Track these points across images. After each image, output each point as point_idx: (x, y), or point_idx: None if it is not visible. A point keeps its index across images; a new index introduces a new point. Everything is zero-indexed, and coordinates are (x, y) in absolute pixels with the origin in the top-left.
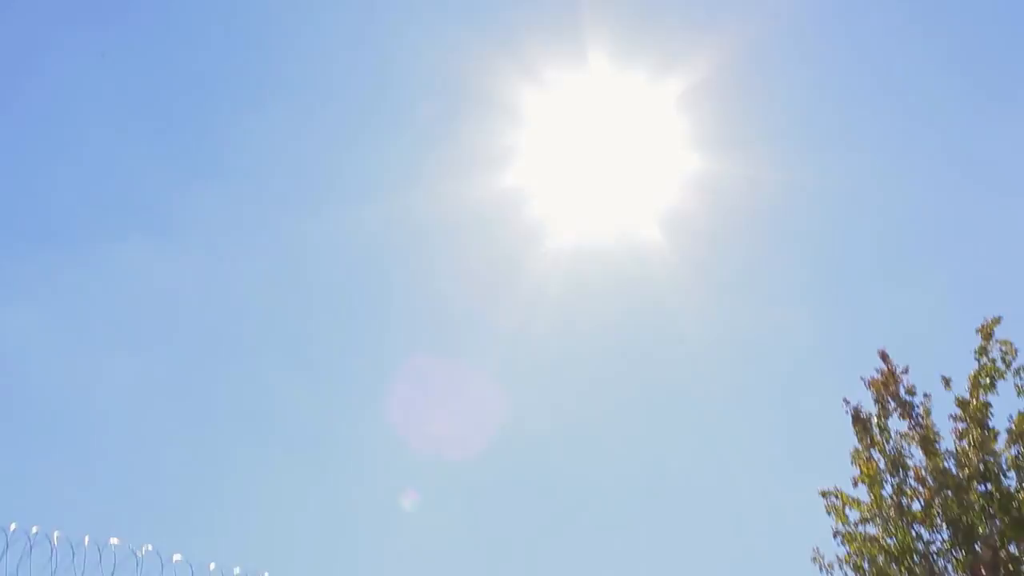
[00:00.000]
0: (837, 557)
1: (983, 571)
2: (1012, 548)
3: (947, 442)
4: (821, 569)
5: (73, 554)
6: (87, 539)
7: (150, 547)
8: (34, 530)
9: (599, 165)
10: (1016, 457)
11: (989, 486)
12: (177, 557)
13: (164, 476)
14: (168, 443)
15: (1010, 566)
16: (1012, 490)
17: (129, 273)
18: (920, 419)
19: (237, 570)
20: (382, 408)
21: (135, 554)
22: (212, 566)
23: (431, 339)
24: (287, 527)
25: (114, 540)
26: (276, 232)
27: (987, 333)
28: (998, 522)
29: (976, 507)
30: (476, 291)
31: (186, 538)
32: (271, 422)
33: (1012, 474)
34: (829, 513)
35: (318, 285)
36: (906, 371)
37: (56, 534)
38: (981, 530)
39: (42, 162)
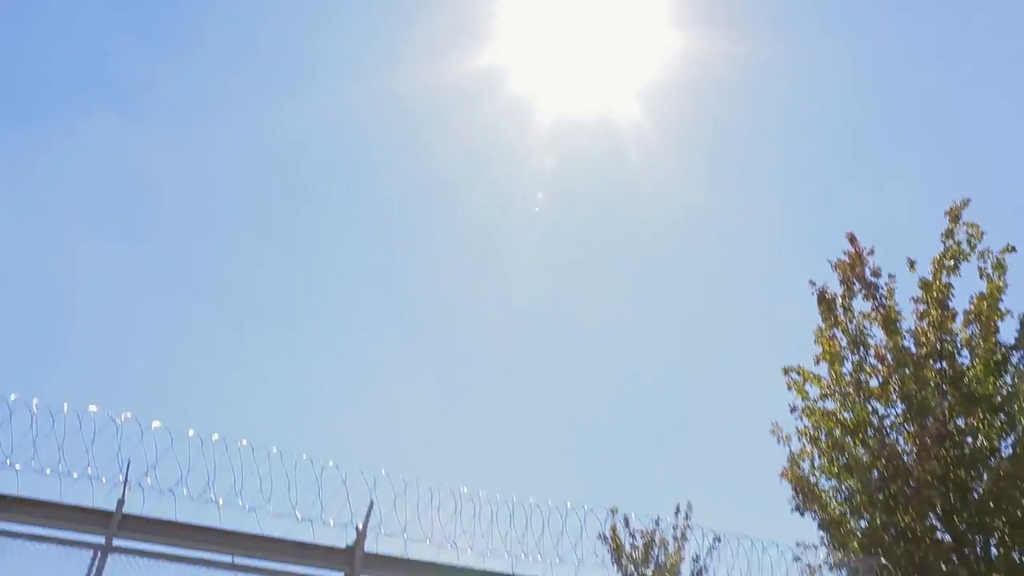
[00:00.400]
0: (796, 430)
1: (929, 443)
2: (959, 422)
3: (908, 322)
4: (779, 441)
5: (53, 421)
6: (66, 406)
7: (129, 415)
8: (12, 397)
9: (581, 42)
10: (971, 336)
11: (944, 364)
12: (156, 424)
13: (141, 350)
14: (146, 318)
15: (956, 438)
16: (964, 368)
17: (100, 150)
18: (883, 300)
19: (215, 436)
20: (364, 289)
21: (114, 421)
22: (191, 432)
23: (414, 218)
24: (266, 399)
25: (93, 407)
26: (253, 112)
27: (955, 216)
28: (949, 398)
29: (930, 384)
30: (458, 168)
31: (165, 407)
32: (251, 299)
33: (966, 353)
34: (790, 389)
35: (295, 166)
36: (872, 253)
37: (35, 401)
38: (933, 405)
39: (8, 34)
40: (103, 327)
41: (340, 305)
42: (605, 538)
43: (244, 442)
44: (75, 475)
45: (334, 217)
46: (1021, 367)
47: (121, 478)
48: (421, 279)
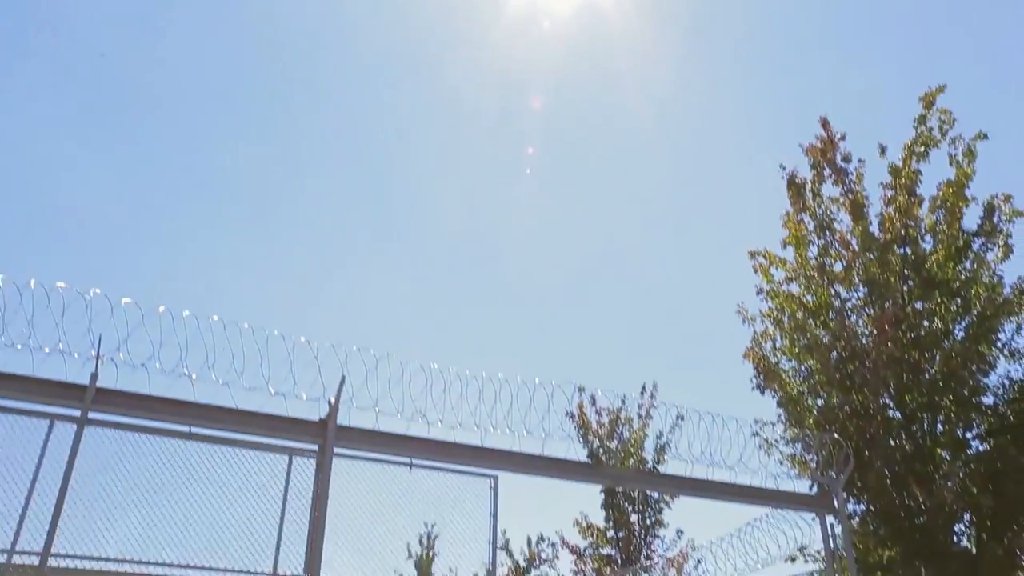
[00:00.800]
0: (760, 312)
1: (887, 325)
2: (918, 305)
3: (875, 208)
4: (744, 322)
5: (20, 297)
6: (32, 282)
7: (97, 290)
8: None
9: None
10: (936, 223)
11: (907, 249)
12: (126, 300)
13: (110, 229)
14: (113, 196)
15: (913, 321)
16: (927, 253)
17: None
18: (852, 185)
19: (186, 312)
20: (338, 173)
21: (83, 297)
22: (161, 309)
23: (388, 99)
24: (237, 277)
25: (61, 284)
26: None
27: (928, 102)
28: (910, 282)
29: (893, 268)
30: (435, 52)
31: (134, 285)
32: (223, 182)
33: (929, 239)
34: (756, 272)
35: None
36: (843, 138)
37: (1, 277)
38: (893, 289)
39: None
40: (75, 211)
41: (311, 186)
42: (572, 415)
43: (215, 318)
44: (47, 350)
45: (309, 102)
46: (981, 253)
47: (93, 353)
48: (397, 161)
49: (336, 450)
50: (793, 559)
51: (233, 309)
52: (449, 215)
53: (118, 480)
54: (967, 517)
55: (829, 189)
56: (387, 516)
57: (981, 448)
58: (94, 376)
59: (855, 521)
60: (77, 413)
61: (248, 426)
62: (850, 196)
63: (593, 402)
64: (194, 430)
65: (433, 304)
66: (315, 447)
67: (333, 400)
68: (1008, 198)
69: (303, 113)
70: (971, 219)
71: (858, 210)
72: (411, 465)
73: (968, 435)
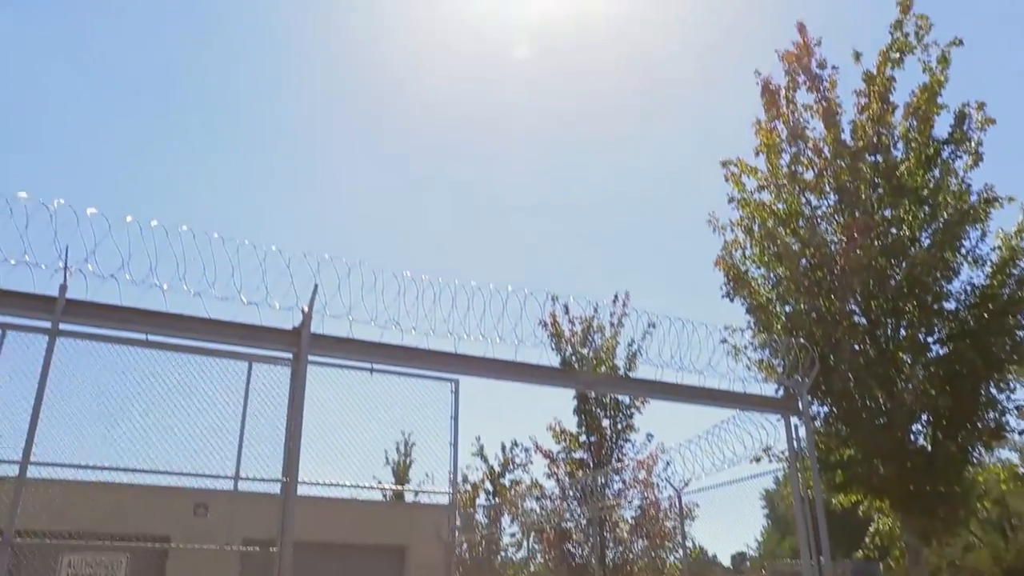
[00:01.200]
0: (731, 221)
1: (856, 233)
2: (887, 213)
3: (848, 116)
4: (715, 231)
5: None
6: None
7: (62, 201)
8: None
9: None
10: (908, 130)
11: (879, 157)
12: (91, 211)
13: (72, 136)
14: (76, 103)
15: (881, 228)
16: (897, 160)
17: None
18: (826, 92)
19: (154, 223)
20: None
21: (47, 208)
22: (128, 219)
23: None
24: (205, 187)
25: (22, 194)
26: None
27: (905, 7)
28: (880, 190)
29: (864, 176)
30: None
31: (99, 196)
32: (191, 93)
33: (901, 146)
34: (727, 181)
35: None
36: (819, 43)
37: None
38: (863, 196)
39: None
40: (37, 120)
41: (282, 94)
42: (545, 324)
43: (184, 228)
44: (12, 262)
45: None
46: (950, 161)
47: (61, 264)
48: (372, 69)
49: (311, 358)
50: (758, 459)
51: (203, 219)
52: (423, 122)
53: (89, 390)
54: (924, 417)
55: (803, 96)
56: (358, 423)
57: (941, 352)
58: (63, 287)
59: (818, 422)
60: (48, 324)
61: (222, 335)
62: (823, 103)
63: (566, 311)
64: (168, 340)
65: (407, 213)
66: (289, 355)
67: (306, 308)
68: (981, 106)
69: (273, 17)
70: (942, 127)
71: (831, 117)
72: (372, 370)
73: (929, 339)
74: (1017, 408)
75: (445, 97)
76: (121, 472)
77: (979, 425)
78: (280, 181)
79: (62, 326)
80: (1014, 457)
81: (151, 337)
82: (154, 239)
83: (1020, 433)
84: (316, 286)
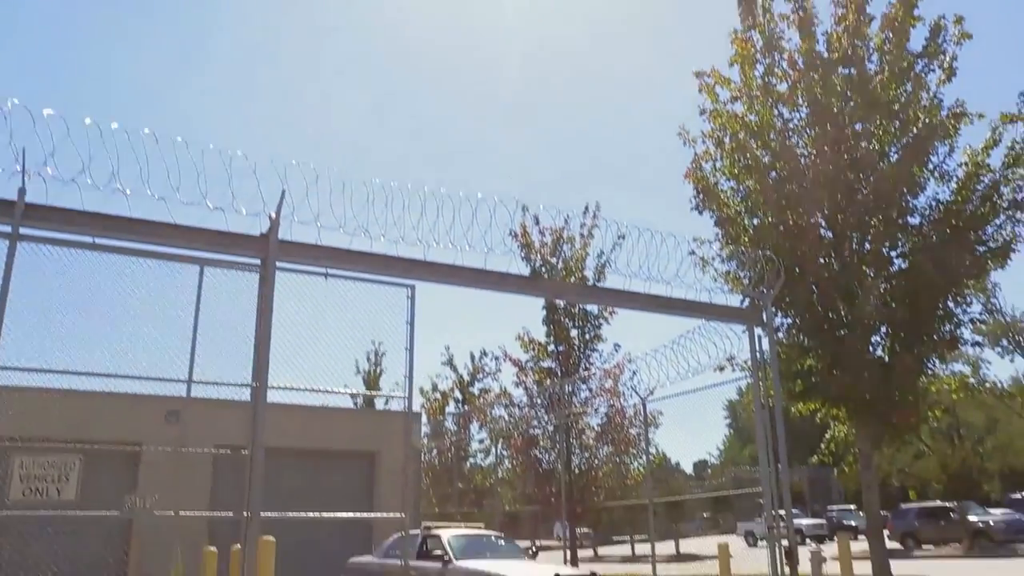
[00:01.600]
0: (702, 132)
1: (826, 147)
2: (857, 127)
3: (824, 27)
4: (685, 143)
5: None
6: None
7: (16, 101)
8: None
9: None
10: (884, 42)
11: (852, 70)
12: (48, 111)
13: (24, 31)
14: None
15: (851, 142)
16: (871, 74)
17: None
18: (803, 2)
19: (115, 125)
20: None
21: (0, 109)
22: (88, 121)
23: None
24: (167, 89)
25: None
26: None
27: None
28: (852, 103)
29: (836, 89)
30: None
31: (56, 96)
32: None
33: (876, 58)
34: (701, 92)
35: None
36: None
37: None
38: (835, 110)
39: None
40: None
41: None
42: (515, 234)
43: (147, 131)
44: None
45: None
46: (922, 75)
47: (18, 168)
48: None
49: (279, 264)
50: (722, 368)
51: (166, 124)
52: (394, 21)
53: (56, 297)
54: (884, 329)
55: (780, 6)
56: (325, 332)
57: (903, 266)
58: (22, 191)
59: (781, 333)
60: (8, 229)
61: (189, 241)
62: (800, 12)
63: (536, 222)
64: (133, 245)
65: (377, 118)
66: (258, 261)
67: (273, 215)
68: (959, 19)
69: None
70: (918, 41)
71: (807, 27)
72: (327, 275)
73: (892, 254)
74: (972, 321)
75: (416, 18)
76: (88, 377)
77: (935, 337)
78: (246, 79)
79: (23, 231)
80: (966, 370)
81: (115, 243)
82: (116, 143)
83: (973, 345)
84: (284, 192)
